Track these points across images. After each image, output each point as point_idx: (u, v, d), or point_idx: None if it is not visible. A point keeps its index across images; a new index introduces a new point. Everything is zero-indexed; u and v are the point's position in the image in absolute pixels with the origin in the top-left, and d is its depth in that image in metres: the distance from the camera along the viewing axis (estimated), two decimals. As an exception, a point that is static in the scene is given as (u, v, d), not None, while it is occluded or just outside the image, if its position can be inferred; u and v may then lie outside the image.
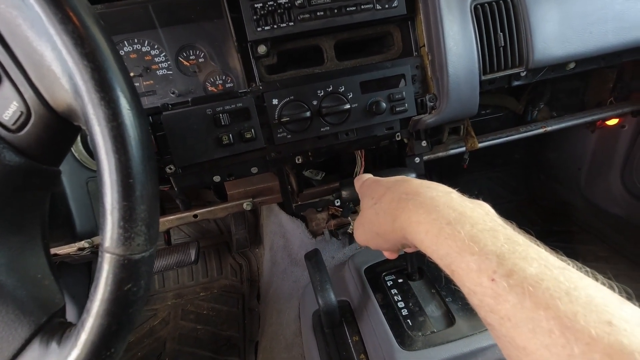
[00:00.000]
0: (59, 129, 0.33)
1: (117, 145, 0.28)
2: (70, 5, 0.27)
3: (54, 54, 0.28)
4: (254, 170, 0.76)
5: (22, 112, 0.31)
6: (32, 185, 0.35)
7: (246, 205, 0.97)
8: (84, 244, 0.92)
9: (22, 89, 0.30)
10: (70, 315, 0.39)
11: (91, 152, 0.62)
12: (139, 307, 0.32)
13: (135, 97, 0.30)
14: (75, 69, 0.27)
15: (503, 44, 0.71)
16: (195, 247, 1.26)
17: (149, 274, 0.32)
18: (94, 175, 0.63)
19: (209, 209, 0.98)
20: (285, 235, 1.25)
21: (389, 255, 0.55)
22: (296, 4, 0.64)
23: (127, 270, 0.30)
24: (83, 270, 1.37)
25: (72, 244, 0.87)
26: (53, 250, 0.80)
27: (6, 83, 0.30)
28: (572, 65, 0.78)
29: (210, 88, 0.71)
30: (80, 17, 0.27)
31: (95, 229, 0.60)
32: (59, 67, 0.28)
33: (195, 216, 0.97)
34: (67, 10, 0.27)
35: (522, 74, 0.75)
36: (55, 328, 0.34)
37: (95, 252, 0.96)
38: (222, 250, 1.60)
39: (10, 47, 0.30)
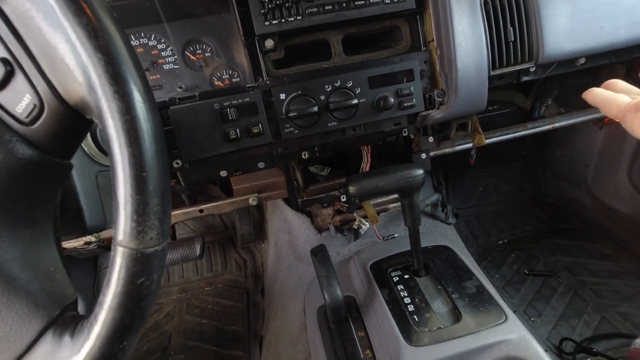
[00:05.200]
0: (72, 122, 0.32)
1: (131, 138, 0.28)
2: None
3: (68, 47, 0.28)
4: (261, 165, 0.76)
5: (35, 105, 0.31)
6: (45, 178, 0.35)
7: (252, 200, 0.97)
8: (90, 238, 0.92)
9: (35, 82, 0.30)
10: (78, 308, 0.39)
11: (101, 146, 0.62)
12: (151, 301, 0.32)
13: (148, 90, 0.30)
14: (89, 62, 0.27)
15: (513, 39, 0.70)
16: (200, 242, 1.27)
17: (161, 267, 0.32)
18: (103, 169, 0.63)
19: (215, 204, 0.99)
20: (290, 230, 1.25)
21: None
22: (304, -3, 0.63)
23: (140, 264, 0.30)
24: (89, 264, 1.39)
25: (79, 238, 0.87)
26: (61, 244, 0.80)
27: (19, 76, 0.30)
28: (582, 61, 0.77)
29: (216, 83, 0.71)
30: (93, 9, 0.27)
31: (104, 223, 0.61)
32: (72, 60, 0.28)
33: (201, 211, 0.98)
34: (80, 2, 0.26)
35: (532, 70, 0.74)
36: (68, 321, 0.34)
37: (102, 245, 0.96)
38: (226, 245, 1.60)
39: (23, 40, 0.29)
